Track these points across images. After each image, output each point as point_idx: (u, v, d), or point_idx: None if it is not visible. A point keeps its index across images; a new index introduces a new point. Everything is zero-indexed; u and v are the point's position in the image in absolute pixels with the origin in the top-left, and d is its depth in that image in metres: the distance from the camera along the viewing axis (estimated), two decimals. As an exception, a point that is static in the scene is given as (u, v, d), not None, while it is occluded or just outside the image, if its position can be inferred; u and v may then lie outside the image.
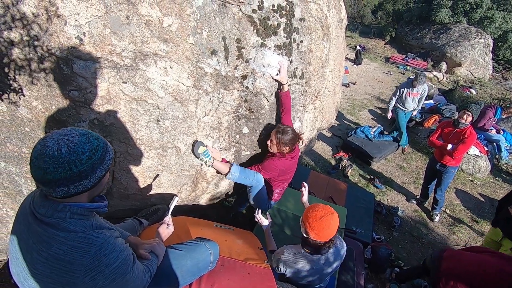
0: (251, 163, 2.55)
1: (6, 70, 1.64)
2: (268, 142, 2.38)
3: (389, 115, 5.57)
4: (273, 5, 2.02)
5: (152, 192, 2.22)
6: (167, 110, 1.90)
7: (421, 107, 6.04)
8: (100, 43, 1.59)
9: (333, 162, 5.17)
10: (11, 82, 1.66)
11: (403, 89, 5.24)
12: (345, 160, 5.08)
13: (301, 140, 2.45)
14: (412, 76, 5.19)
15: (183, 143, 2.08)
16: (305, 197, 2.51)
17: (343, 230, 3.11)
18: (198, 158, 2.17)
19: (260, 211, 2.32)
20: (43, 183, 0.93)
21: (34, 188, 2.06)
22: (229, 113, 2.18)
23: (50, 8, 1.48)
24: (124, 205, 2.27)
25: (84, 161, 0.95)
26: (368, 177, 4.85)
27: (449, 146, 3.58)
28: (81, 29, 1.53)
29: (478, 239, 3.99)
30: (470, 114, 3.43)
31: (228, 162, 2.38)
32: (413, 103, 5.27)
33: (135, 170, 2.03)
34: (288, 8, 2.10)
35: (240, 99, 2.17)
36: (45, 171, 0.90)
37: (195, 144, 2.11)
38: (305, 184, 2.54)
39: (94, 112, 1.76)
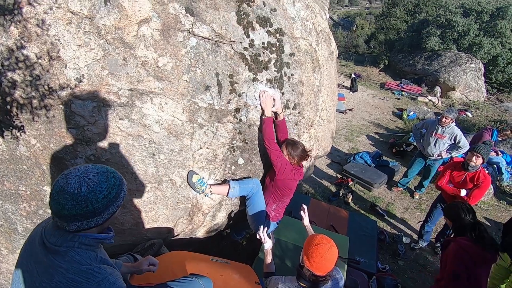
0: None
1: (8, 108, 1.72)
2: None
3: (419, 146, 4.66)
4: (263, 43, 2.14)
5: (148, 226, 2.20)
6: (162, 144, 1.94)
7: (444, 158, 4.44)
8: (98, 83, 1.67)
9: (333, 189, 5.13)
10: (12, 120, 1.72)
11: (428, 124, 4.36)
12: (345, 187, 5.04)
13: (309, 158, 2.52)
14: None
15: (178, 176, 2.10)
16: (306, 221, 2.41)
17: (346, 260, 3.02)
18: (194, 189, 2.18)
19: (263, 228, 2.20)
20: (59, 217, 0.99)
21: (29, 226, 2.06)
22: (223, 145, 2.23)
23: (52, 53, 1.58)
24: (120, 241, 2.24)
25: (100, 200, 1.01)
26: (370, 203, 4.79)
27: (463, 192, 3.23)
28: (80, 71, 1.62)
29: (488, 266, 3.84)
30: (479, 155, 3.12)
31: (223, 182, 2.39)
32: (437, 148, 4.25)
33: (130, 204, 2.03)
34: (277, 45, 2.22)
35: (234, 131, 2.22)
36: (63, 207, 0.97)
37: (188, 175, 2.13)
38: (305, 207, 2.45)
39: (91, 149, 1.81)
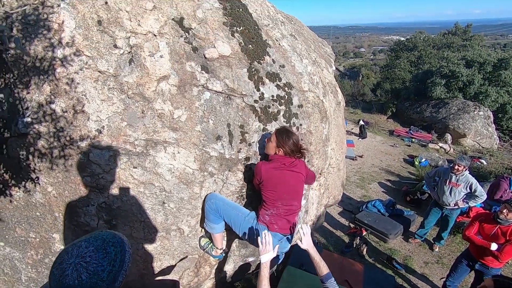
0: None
1: (30, 158, 1.81)
2: (266, 140, 2.16)
3: (434, 195, 4.46)
4: (272, 96, 2.27)
5: (153, 278, 2.12)
6: (173, 192, 1.97)
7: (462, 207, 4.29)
8: (116, 134, 1.77)
9: (346, 239, 4.89)
10: (31, 170, 1.80)
11: (441, 172, 4.27)
12: (359, 237, 4.81)
13: (302, 155, 2.14)
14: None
15: (186, 225, 2.09)
16: (304, 243, 1.83)
17: (363, 322, 2.76)
18: (210, 254, 2.23)
19: (266, 233, 1.79)
20: None
21: (33, 275, 2.02)
22: (233, 193, 2.23)
23: (77, 107, 1.71)
24: (122, 293, 2.15)
25: (105, 278, 0.91)
26: (386, 256, 4.50)
27: (494, 246, 3.00)
28: (101, 123, 1.74)
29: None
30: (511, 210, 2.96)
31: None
32: (453, 197, 4.09)
33: (136, 254, 1.99)
34: (286, 97, 2.34)
35: (244, 180, 2.24)
36: None
37: (199, 240, 2.21)
38: (306, 227, 1.90)
39: (103, 196, 1.84)
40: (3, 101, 1.77)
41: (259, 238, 1.78)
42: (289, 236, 2.19)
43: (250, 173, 2.27)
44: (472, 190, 3.98)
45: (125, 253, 0.98)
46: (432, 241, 4.85)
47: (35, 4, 1.69)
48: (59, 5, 1.70)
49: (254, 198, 2.39)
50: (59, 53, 1.67)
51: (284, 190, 2.06)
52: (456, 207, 4.19)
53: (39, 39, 1.68)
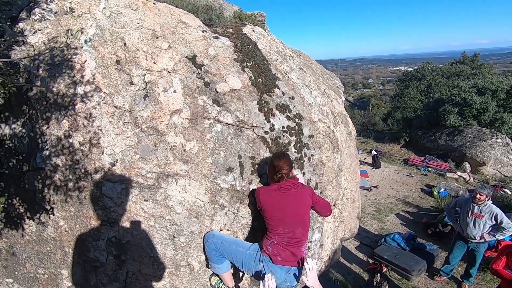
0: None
1: (46, 191, 1.84)
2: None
3: (457, 227, 4.20)
4: (283, 127, 2.28)
5: (160, 318, 2.01)
6: (183, 226, 1.93)
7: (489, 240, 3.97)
8: (129, 167, 1.79)
9: (365, 276, 4.59)
10: (46, 203, 1.82)
11: (461, 202, 4.06)
12: (379, 274, 4.50)
13: (280, 175, 1.96)
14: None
15: (197, 260, 2.01)
16: (310, 277, 1.73)
17: None
18: None
19: (270, 277, 1.65)
20: None
21: (39, 314, 1.95)
22: (244, 226, 2.17)
23: (93, 140, 1.77)
24: (128, 336, 2.04)
25: None
26: (410, 295, 4.17)
27: None
28: (115, 156, 1.77)
29: None
30: None
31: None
32: (477, 229, 3.84)
33: (145, 292, 1.91)
34: (297, 128, 2.35)
35: (256, 212, 2.19)
36: None
37: (210, 278, 2.12)
38: (311, 263, 1.78)
39: (114, 230, 1.82)
40: (25, 136, 1.86)
41: (261, 282, 1.66)
42: (296, 271, 1.99)
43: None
44: (498, 222, 3.72)
45: None
46: (460, 279, 4.48)
47: (60, 47, 1.82)
48: (82, 47, 1.83)
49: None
50: (79, 90, 1.76)
51: (286, 213, 1.93)
52: (483, 240, 3.91)
53: (62, 77, 1.79)
